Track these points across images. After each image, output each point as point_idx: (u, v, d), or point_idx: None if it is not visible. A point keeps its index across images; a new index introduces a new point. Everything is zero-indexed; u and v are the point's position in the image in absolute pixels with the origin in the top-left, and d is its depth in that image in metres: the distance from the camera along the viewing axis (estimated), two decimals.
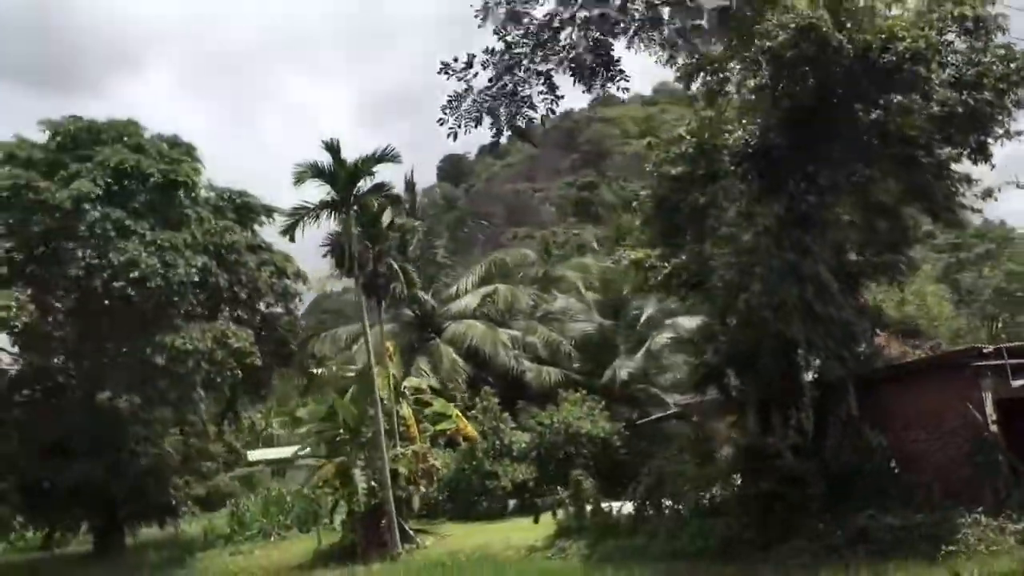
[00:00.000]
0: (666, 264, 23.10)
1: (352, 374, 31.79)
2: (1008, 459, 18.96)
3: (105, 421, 35.06)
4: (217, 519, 38.62)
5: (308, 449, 67.07)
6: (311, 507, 36.00)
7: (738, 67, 21.02)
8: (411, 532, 28.66)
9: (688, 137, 22.79)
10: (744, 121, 21.88)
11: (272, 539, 34.81)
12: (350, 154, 27.83)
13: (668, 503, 23.77)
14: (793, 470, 19.73)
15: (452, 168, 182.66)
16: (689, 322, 40.83)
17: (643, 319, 41.61)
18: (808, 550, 19.00)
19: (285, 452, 70.58)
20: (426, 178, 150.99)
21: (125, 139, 36.27)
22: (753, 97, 22.45)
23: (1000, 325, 55.07)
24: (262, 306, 40.02)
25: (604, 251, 53.24)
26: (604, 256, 50.41)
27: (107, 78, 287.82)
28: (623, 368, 39.04)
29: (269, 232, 40.74)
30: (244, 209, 40.00)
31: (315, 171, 27.62)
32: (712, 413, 25.54)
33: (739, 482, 21.30)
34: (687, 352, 30.99)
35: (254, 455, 62.77)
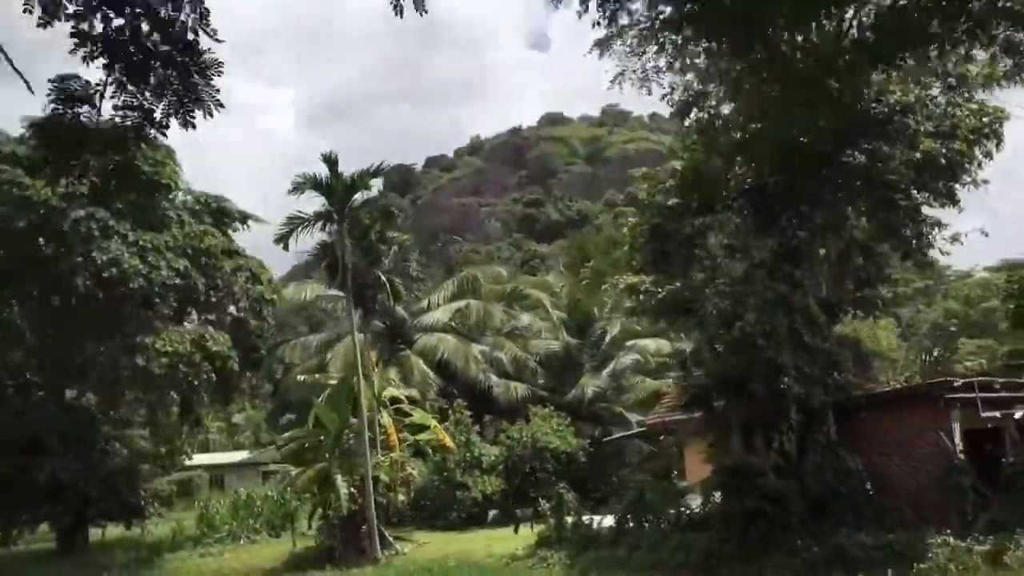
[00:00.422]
0: (659, 290, 24.31)
1: (334, 382, 32.29)
2: (975, 485, 20.47)
3: (78, 419, 35.08)
4: (186, 520, 38.62)
5: (252, 454, 66.66)
6: (280, 511, 36.32)
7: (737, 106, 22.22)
8: (390, 538, 29.33)
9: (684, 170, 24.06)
10: (739, 158, 23.21)
11: (241, 542, 35.03)
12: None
13: (649, 516, 24.79)
14: (776, 489, 20.99)
15: (399, 179, 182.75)
16: (652, 344, 42.46)
17: (607, 339, 42.91)
18: (788, 565, 20.22)
19: (221, 458, 70.17)
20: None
21: None
22: (738, 135, 23.93)
23: (932, 358, 57.66)
24: (233, 310, 40.33)
25: (568, 271, 54.47)
26: (568, 275, 51.73)
27: (38, 66, 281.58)
28: (589, 386, 40.20)
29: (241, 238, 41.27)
30: (220, 214, 40.32)
31: (313, 183, 28.27)
32: (687, 432, 26.74)
33: (721, 499, 22.41)
34: (675, 373, 32.12)
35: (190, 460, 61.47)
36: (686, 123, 24.96)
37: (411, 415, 33.31)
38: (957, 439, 20.95)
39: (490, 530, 32.03)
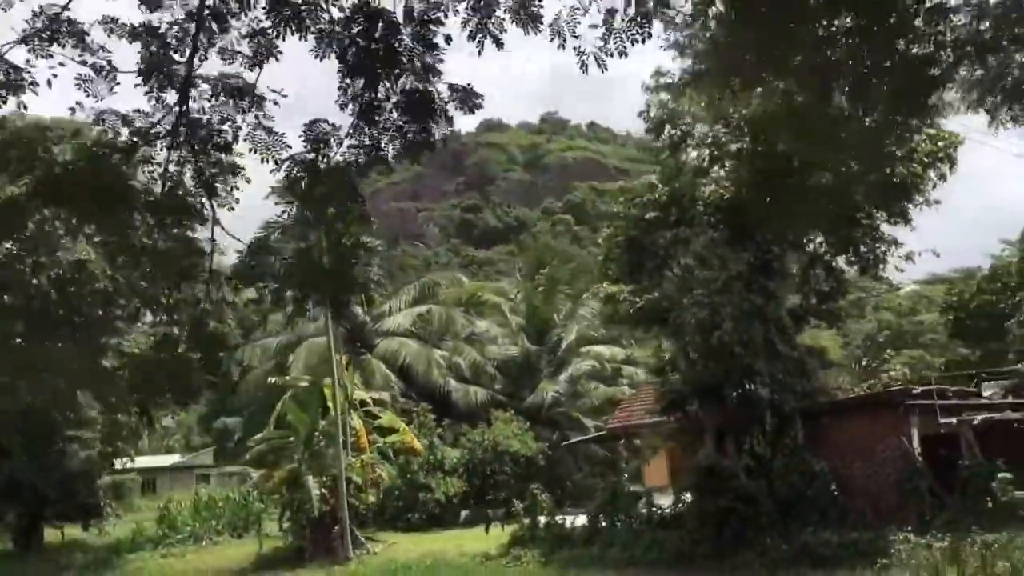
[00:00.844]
0: (637, 299, 25.31)
1: (304, 384, 32.56)
2: (932, 487, 21.86)
3: (35, 420, 34.74)
4: (145, 521, 38.41)
5: (185, 458, 65.59)
6: (243, 513, 36.45)
7: (722, 130, 23.35)
8: (362, 539, 29.80)
9: (660, 185, 25.16)
10: (712, 175, 24.43)
11: (204, 543, 35.04)
12: None
13: (621, 516, 25.74)
14: (747, 490, 22.16)
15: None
16: (607, 351, 43.63)
17: (564, 346, 43.91)
18: (757, 562, 21.41)
19: (152, 461, 69.05)
20: None
21: (72, 139, 36.17)
22: (708, 152, 25.21)
23: (862, 367, 60.00)
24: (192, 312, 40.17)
25: (524, 277, 55.30)
26: (524, 282, 52.54)
27: None
28: (548, 391, 41.13)
29: None
30: None
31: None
32: (664, 436, 27.79)
33: (696, 498, 23.44)
34: (627, 380, 33.05)
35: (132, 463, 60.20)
36: (660, 140, 26.24)
37: (379, 417, 33.83)
38: (915, 444, 22.32)
39: (456, 530, 32.71)
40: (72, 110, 8.93)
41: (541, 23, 8.38)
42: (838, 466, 22.98)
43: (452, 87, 8.68)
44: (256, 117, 9.17)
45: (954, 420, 22.56)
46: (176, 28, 8.56)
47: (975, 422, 22.61)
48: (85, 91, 8.71)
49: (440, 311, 44.34)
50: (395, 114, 8.58)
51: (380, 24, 8.17)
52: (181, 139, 9.12)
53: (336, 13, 8.30)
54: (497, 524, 29.61)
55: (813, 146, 13.64)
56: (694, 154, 25.97)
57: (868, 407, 23.80)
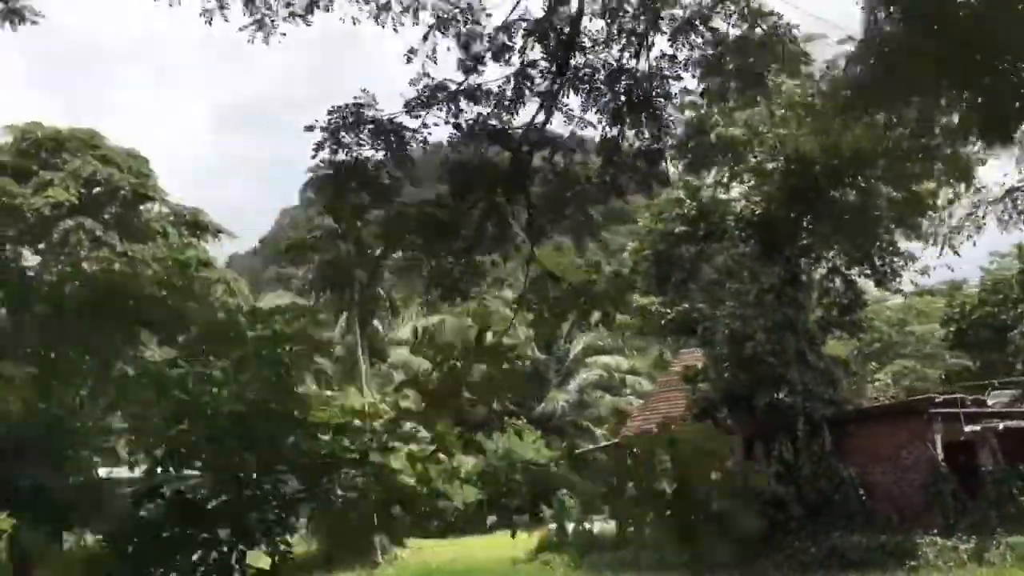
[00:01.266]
0: (668, 311, 26.17)
1: (329, 393, 33.05)
2: (955, 492, 22.79)
3: (60, 427, 35.08)
4: None
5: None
6: None
7: (758, 150, 24.21)
8: (388, 544, 30.29)
9: (689, 200, 26.02)
10: (733, 189, 25.38)
11: None
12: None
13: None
14: (776, 494, 23.00)
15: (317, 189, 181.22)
16: (612, 361, 44.42)
17: (571, 356, 44.73)
18: (786, 564, 22.27)
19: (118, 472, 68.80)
20: (288, 198, 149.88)
21: (91, 150, 36.65)
22: (727, 170, 26.15)
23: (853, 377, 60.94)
24: None
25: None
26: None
27: None
28: (559, 400, 41.89)
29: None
30: (193, 225, 40.74)
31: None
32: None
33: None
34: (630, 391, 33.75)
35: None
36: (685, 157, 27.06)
37: (401, 426, 34.33)
38: (939, 450, 23.26)
39: (473, 536, 33.33)
40: (442, 164, 10.27)
41: (766, 87, 9.86)
42: (864, 472, 23.85)
43: None
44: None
45: (978, 427, 23.51)
46: (500, 90, 9.71)
47: (1000, 428, 23.58)
48: (452, 148, 9.92)
49: (453, 321, 44.97)
50: (636, 159, 9.75)
51: (632, 81, 9.46)
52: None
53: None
54: (526, 529, 30.20)
55: (897, 173, 14.44)
56: (714, 170, 26.87)
57: (893, 415, 24.76)
